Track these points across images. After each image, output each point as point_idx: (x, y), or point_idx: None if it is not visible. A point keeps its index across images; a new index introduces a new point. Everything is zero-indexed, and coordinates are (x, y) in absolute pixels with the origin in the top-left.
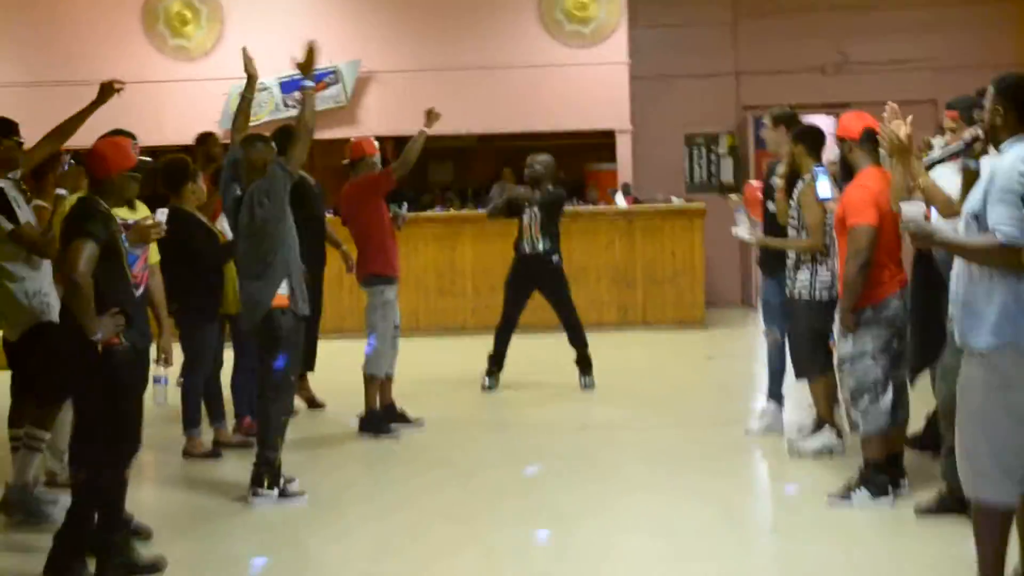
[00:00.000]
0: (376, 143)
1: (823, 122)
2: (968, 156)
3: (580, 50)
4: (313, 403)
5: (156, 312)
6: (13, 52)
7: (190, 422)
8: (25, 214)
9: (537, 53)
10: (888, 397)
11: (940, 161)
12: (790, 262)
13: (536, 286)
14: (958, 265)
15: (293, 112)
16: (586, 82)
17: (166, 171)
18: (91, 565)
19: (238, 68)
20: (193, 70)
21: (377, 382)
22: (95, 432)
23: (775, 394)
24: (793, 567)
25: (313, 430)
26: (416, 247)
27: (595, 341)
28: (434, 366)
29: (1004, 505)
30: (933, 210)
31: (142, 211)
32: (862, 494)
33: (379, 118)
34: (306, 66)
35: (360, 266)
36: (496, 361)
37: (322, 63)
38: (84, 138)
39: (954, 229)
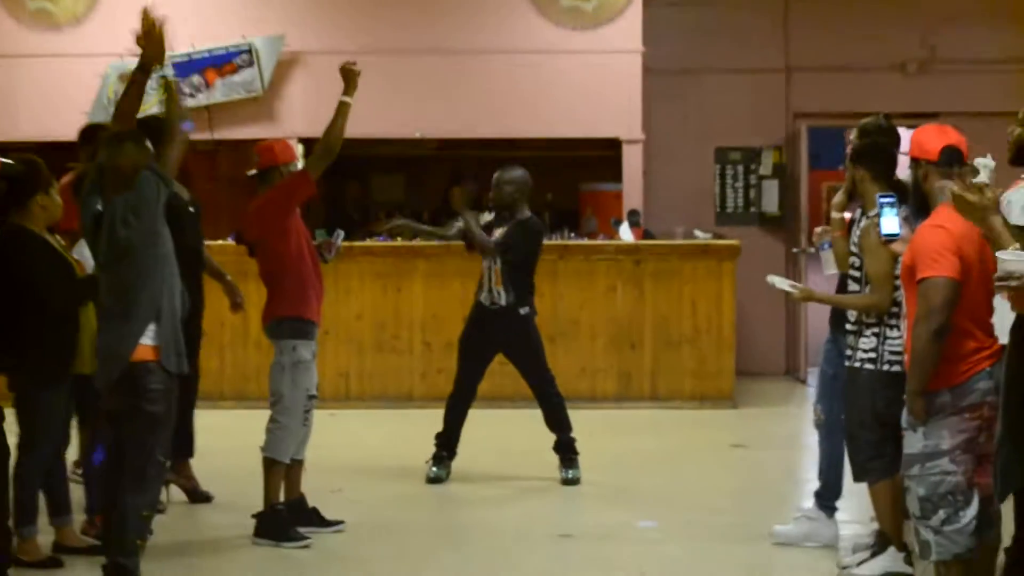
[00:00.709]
0: (297, 147)
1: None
2: None
3: (578, 33)
4: (195, 495)
5: None
6: None
7: (25, 518)
8: None
9: (520, 35)
10: (971, 511)
11: None
12: (850, 325)
13: (499, 347)
14: None
15: (190, 103)
16: (585, 75)
17: (5, 177)
18: None
19: (119, 40)
20: (58, 42)
21: (281, 469)
22: None
23: (824, 500)
24: None
25: (192, 532)
26: (349, 288)
27: (585, 420)
28: (365, 449)
29: None
30: None
31: None
32: None
33: (305, 114)
34: (152, 45)
35: (267, 309)
36: (446, 443)
37: (232, 39)
38: None
39: None
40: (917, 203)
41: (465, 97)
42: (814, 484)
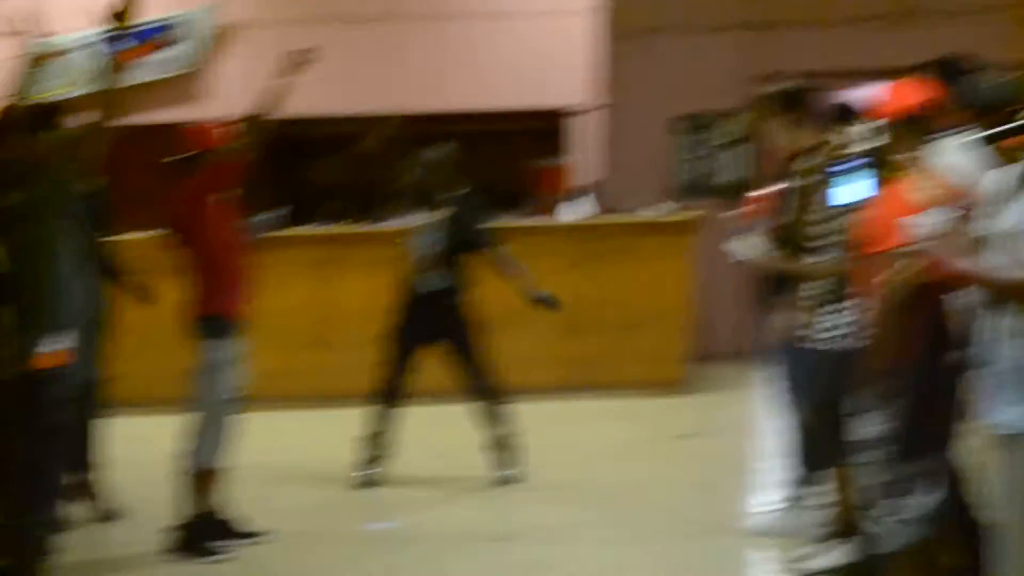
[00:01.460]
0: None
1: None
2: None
3: None
4: (104, 510)
5: None
6: None
7: None
8: None
9: None
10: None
11: None
12: (806, 298)
13: (432, 336)
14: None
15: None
16: (530, 39)
17: None
18: None
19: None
20: None
21: (201, 478)
22: None
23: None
24: None
25: (102, 550)
26: (280, 279)
27: (525, 413)
28: (295, 451)
29: None
30: None
31: None
32: None
33: (242, 92)
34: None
35: (191, 306)
36: (376, 443)
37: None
38: None
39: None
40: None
41: (395, 66)
42: (770, 473)
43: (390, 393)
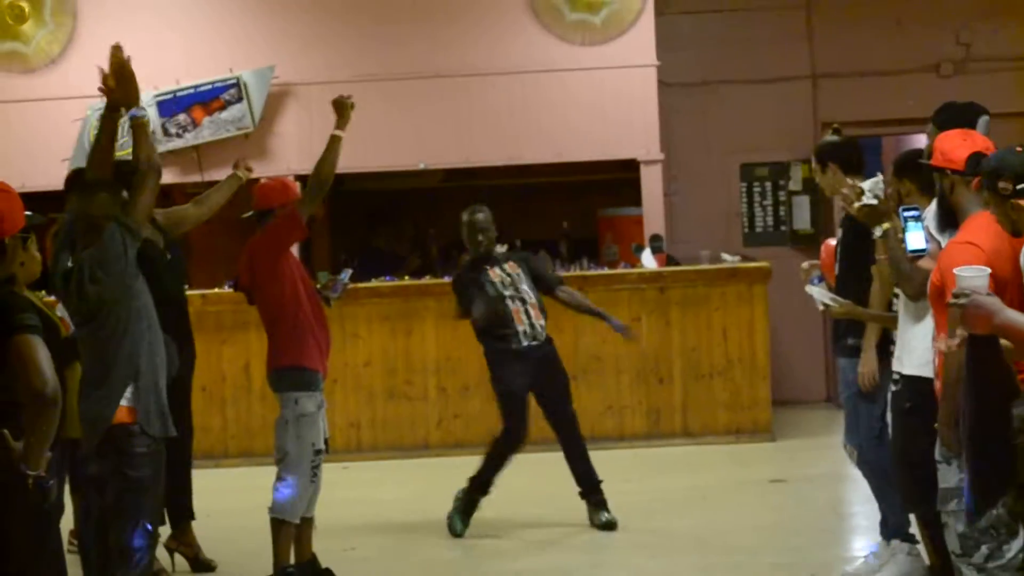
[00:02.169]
0: (296, 185)
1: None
2: None
3: (588, 49)
4: (198, 563)
5: None
6: None
7: None
8: None
9: (525, 53)
10: (1018, 544)
11: None
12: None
13: (533, 384)
14: None
15: (178, 143)
16: (597, 93)
17: None
18: None
19: (97, 80)
20: (33, 85)
21: (291, 529)
22: None
23: (896, 529)
24: None
25: None
26: (356, 332)
27: (613, 460)
28: (379, 503)
29: None
30: None
31: None
32: None
33: (299, 149)
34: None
35: (267, 360)
36: (479, 491)
37: (218, 72)
38: None
39: None
40: (943, 216)
41: (469, 122)
42: (861, 518)
43: (507, 437)
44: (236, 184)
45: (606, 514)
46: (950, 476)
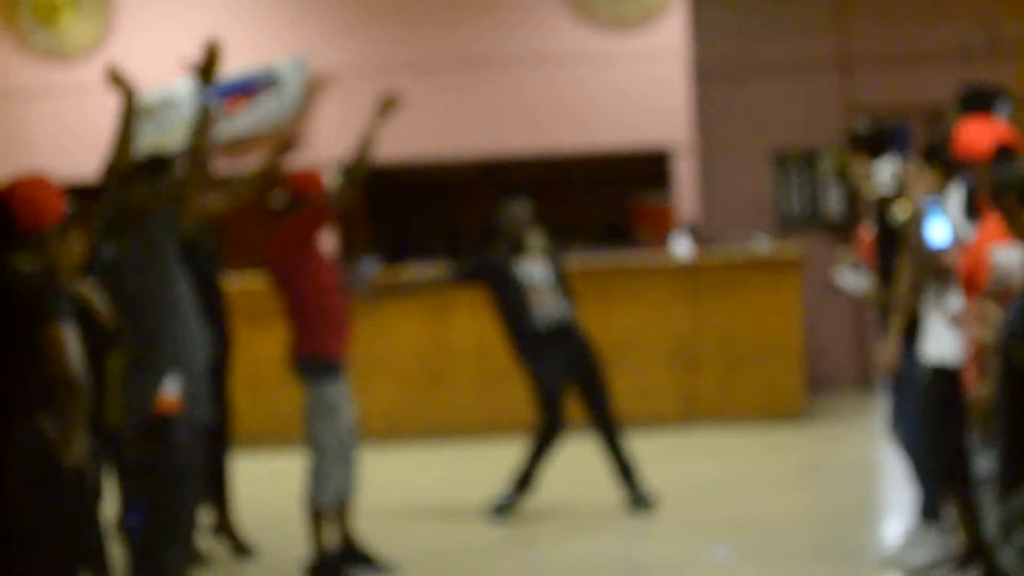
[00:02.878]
0: (325, 175)
1: None
2: None
3: (619, 37)
4: (238, 547)
5: None
6: None
7: None
8: None
9: (558, 41)
10: None
11: None
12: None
13: (568, 369)
14: None
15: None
16: (629, 81)
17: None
18: None
19: (138, 70)
20: (71, 76)
21: (327, 516)
22: None
23: (928, 510)
24: None
25: None
26: (393, 322)
27: (646, 445)
28: (417, 489)
29: None
30: None
31: None
32: None
33: (337, 138)
34: (206, 72)
35: (290, 348)
36: (527, 478)
37: (253, 62)
38: None
39: None
40: (968, 205)
41: (503, 110)
42: (896, 502)
43: (547, 430)
44: (271, 172)
45: (642, 495)
46: (985, 463)
